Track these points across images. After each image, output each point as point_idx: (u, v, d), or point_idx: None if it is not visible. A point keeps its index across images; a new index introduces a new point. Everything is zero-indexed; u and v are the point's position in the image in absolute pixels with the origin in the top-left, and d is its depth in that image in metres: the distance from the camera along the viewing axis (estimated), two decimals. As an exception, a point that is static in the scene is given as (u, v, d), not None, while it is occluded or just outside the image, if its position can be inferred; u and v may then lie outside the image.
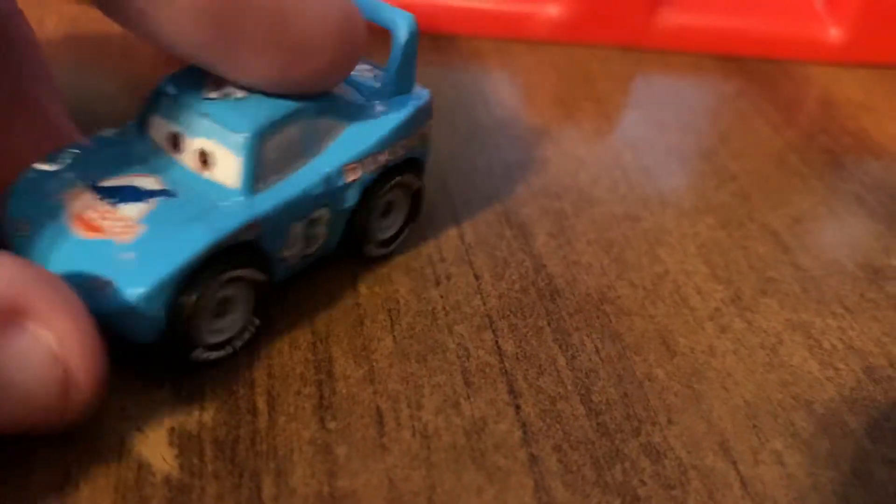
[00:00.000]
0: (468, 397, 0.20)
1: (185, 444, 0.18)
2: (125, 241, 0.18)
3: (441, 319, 0.22)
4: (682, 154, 0.30)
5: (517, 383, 0.20)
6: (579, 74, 0.34)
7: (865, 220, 0.27)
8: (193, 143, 0.20)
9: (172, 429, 0.19)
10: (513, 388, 0.20)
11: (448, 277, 0.23)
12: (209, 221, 0.19)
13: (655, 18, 0.36)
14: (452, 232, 0.25)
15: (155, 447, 0.18)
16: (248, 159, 0.19)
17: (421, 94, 0.23)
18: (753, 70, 0.35)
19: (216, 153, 0.20)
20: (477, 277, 0.23)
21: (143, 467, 0.18)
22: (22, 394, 0.16)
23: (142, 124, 0.21)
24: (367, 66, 0.23)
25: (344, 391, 0.20)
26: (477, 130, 0.30)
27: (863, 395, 0.21)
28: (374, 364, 0.20)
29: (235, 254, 0.19)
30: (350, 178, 0.21)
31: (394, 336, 0.21)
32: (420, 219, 0.24)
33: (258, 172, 0.20)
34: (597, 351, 0.21)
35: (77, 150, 0.20)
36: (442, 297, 0.23)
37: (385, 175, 0.22)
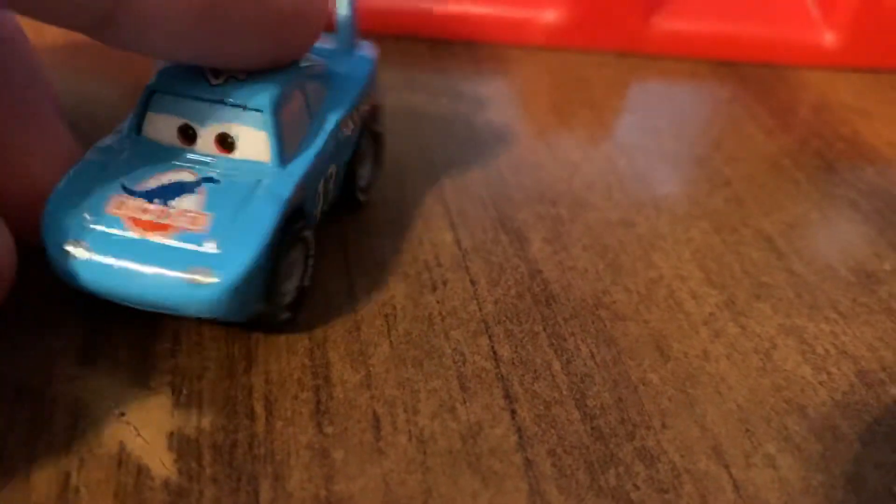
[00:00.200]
0: (464, 402, 0.20)
1: (183, 448, 0.18)
2: (200, 231, 0.19)
3: (437, 325, 0.22)
4: (676, 159, 0.30)
5: (513, 388, 0.21)
6: (575, 80, 0.34)
7: (859, 226, 0.27)
8: (210, 130, 0.21)
9: (171, 434, 0.19)
10: (508, 392, 0.20)
11: (444, 283, 0.23)
12: (267, 195, 0.20)
13: (651, 24, 0.36)
14: (448, 238, 0.25)
15: (154, 452, 0.18)
16: (273, 132, 0.20)
17: (366, 45, 0.25)
18: (748, 75, 0.36)
19: (239, 134, 0.20)
20: (473, 283, 0.24)
21: (142, 472, 0.18)
22: None
23: (139, 126, 0.21)
24: None
25: (341, 396, 0.20)
26: (473, 136, 0.30)
27: (855, 400, 0.21)
28: (371, 369, 0.21)
29: (292, 220, 0.20)
30: (346, 131, 0.23)
31: (390, 341, 0.21)
32: (416, 224, 0.25)
33: (283, 143, 0.21)
34: (592, 356, 0.22)
35: (90, 162, 0.20)
36: (438, 302, 0.23)
37: (363, 124, 0.24)
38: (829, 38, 0.36)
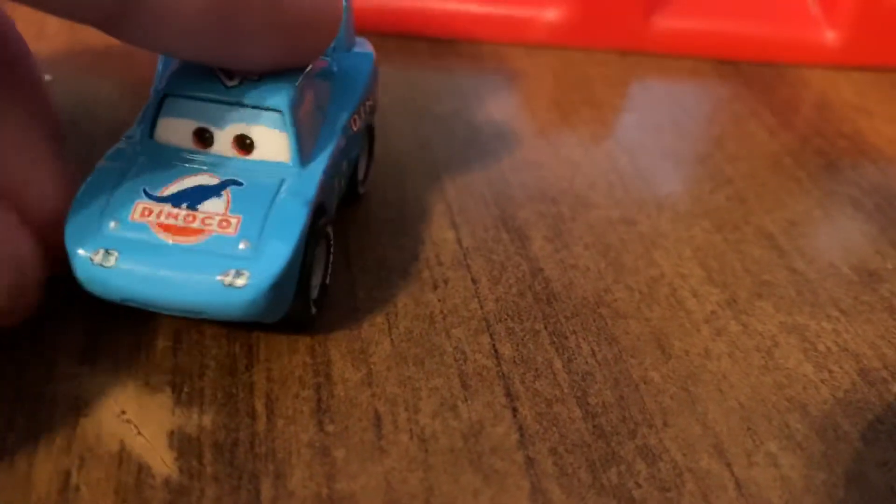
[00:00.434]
0: (465, 400, 0.20)
1: (184, 447, 0.18)
2: (231, 233, 0.19)
3: (438, 323, 0.22)
4: (677, 158, 0.30)
5: (514, 386, 0.21)
6: (576, 78, 0.34)
7: (861, 224, 0.27)
8: (228, 132, 0.21)
9: (172, 432, 0.19)
10: (510, 391, 0.20)
11: (445, 281, 0.23)
12: (293, 194, 0.20)
13: (652, 22, 0.36)
14: (450, 236, 0.25)
15: (154, 450, 0.18)
16: (293, 132, 0.20)
17: (363, 43, 0.25)
18: (749, 73, 0.35)
19: (258, 135, 0.20)
20: (474, 281, 0.23)
21: (143, 470, 0.18)
22: None
23: (151, 131, 0.21)
24: None
25: (342, 394, 0.20)
26: (474, 134, 0.30)
27: (857, 398, 0.21)
28: (372, 367, 0.21)
29: (315, 217, 0.20)
30: (355, 128, 0.23)
31: (391, 339, 0.21)
32: (417, 223, 0.25)
33: (301, 142, 0.21)
34: (593, 354, 0.22)
35: (105, 170, 0.20)
36: (439, 300, 0.23)
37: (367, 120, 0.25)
38: (830, 37, 0.36)
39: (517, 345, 0.22)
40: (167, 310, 0.19)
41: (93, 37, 0.32)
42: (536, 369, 0.21)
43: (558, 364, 0.21)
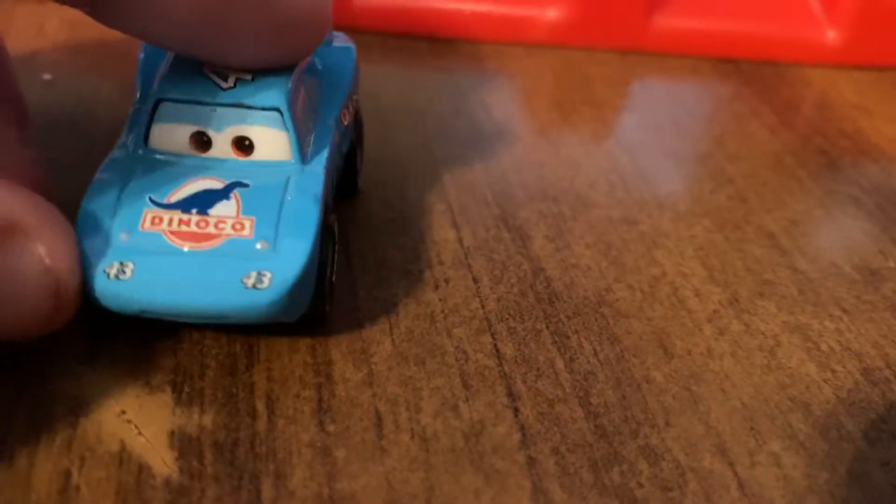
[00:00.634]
0: (467, 400, 0.20)
1: (184, 446, 0.18)
2: (245, 235, 0.19)
3: (440, 323, 0.22)
4: (678, 157, 0.30)
5: (516, 386, 0.20)
6: (577, 78, 0.34)
7: (862, 223, 0.27)
8: (226, 135, 0.20)
9: (172, 432, 0.19)
10: (511, 390, 0.20)
11: (446, 281, 0.23)
12: (303, 192, 0.20)
13: (652, 22, 0.36)
14: (451, 236, 0.25)
15: (155, 450, 0.18)
16: (292, 130, 0.20)
17: (340, 36, 0.25)
18: (750, 73, 0.35)
19: (258, 136, 0.20)
20: (475, 281, 0.23)
21: (143, 470, 0.18)
22: (19, 302, 0.17)
23: (145, 137, 0.21)
24: None
25: (343, 394, 0.20)
26: (475, 134, 0.30)
27: (860, 398, 0.21)
28: (373, 367, 0.21)
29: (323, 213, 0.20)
30: (345, 122, 0.23)
31: (392, 339, 0.21)
32: (418, 222, 0.25)
33: (300, 139, 0.21)
34: (595, 354, 0.22)
35: (105, 181, 0.20)
36: (440, 300, 0.23)
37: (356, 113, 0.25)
38: (831, 36, 0.36)
39: (519, 344, 0.22)
40: (187, 317, 0.19)
41: (93, 36, 0.32)
42: (538, 369, 0.21)
43: (560, 364, 0.21)
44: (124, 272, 0.18)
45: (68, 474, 0.18)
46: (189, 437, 0.19)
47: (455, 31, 0.36)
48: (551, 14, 0.35)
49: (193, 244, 0.19)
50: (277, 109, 0.20)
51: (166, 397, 0.19)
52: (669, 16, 0.36)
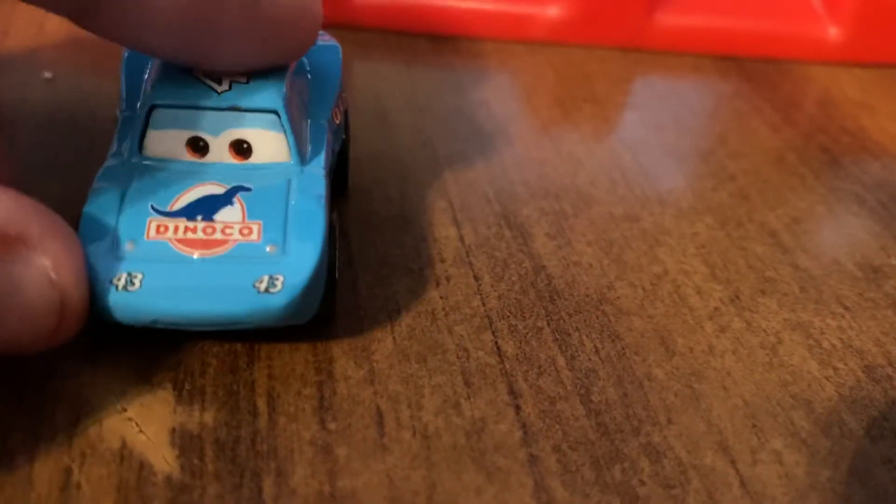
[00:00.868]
0: (468, 398, 0.20)
1: (186, 444, 0.18)
2: (254, 239, 0.19)
3: (441, 320, 0.22)
4: (680, 154, 0.30)
5: (517, 384, 0.20)
6: (578, 75, 0.34)
7: (864, 220, 0.27)
8: (223, 139, 0.20)
9: (173, 430, 0.19)
10: (513, 388, 0.20)
11: (448, 278, 0.23)
12: (306, 192, 0.20)
13: (653, 19, 0.36)
14: (452, 233, 0.25)
15: (156, 448, 0.18)
16: (290, 132, 0.20)
17: (324, 35, 0.25)
18: (752, 70, 0.35)
19: (256, 138, 0.20)
20: (476, 278, 0.23)
21: (144, 468, 0.18)
22: (23, 316, 0.17)
23: (140, 145, 0.20)
24: None
25: (344, 392, 0.20)
26: (476, 131, 0.30)
27: (862, 395, 0.21)
28: (375, 365, 0.21)
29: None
30: (337, 121, 0.23)
31: (394, 337, 0.21)
32: (419, 220, 0.25)
33: (298, 141, 0.20)
34: (596, 351, 0.22)
35: (102, 191, 0.20)
36: (442, 298, 0.23)
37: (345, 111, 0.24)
38: (833, 33, 0.36)
39: (520, 342, 0.22)
40: (199, 325, 0.19)
41: (93, 35, 0.32)
42: (539, 366, 0.21)
43: (561, 361, 0.21)
44: (133, 283, 0.18)
45: (69, 472, 0.18)
46: (190, 435, 0.19)
47: (456, 28, 0.36)
48: (552, 11, 0.35)
49: (203, 251, 0.19)
50: (274, 111, 0.20)
51: (167, 395, 0.19)
52: (671, 13, 0.36)
